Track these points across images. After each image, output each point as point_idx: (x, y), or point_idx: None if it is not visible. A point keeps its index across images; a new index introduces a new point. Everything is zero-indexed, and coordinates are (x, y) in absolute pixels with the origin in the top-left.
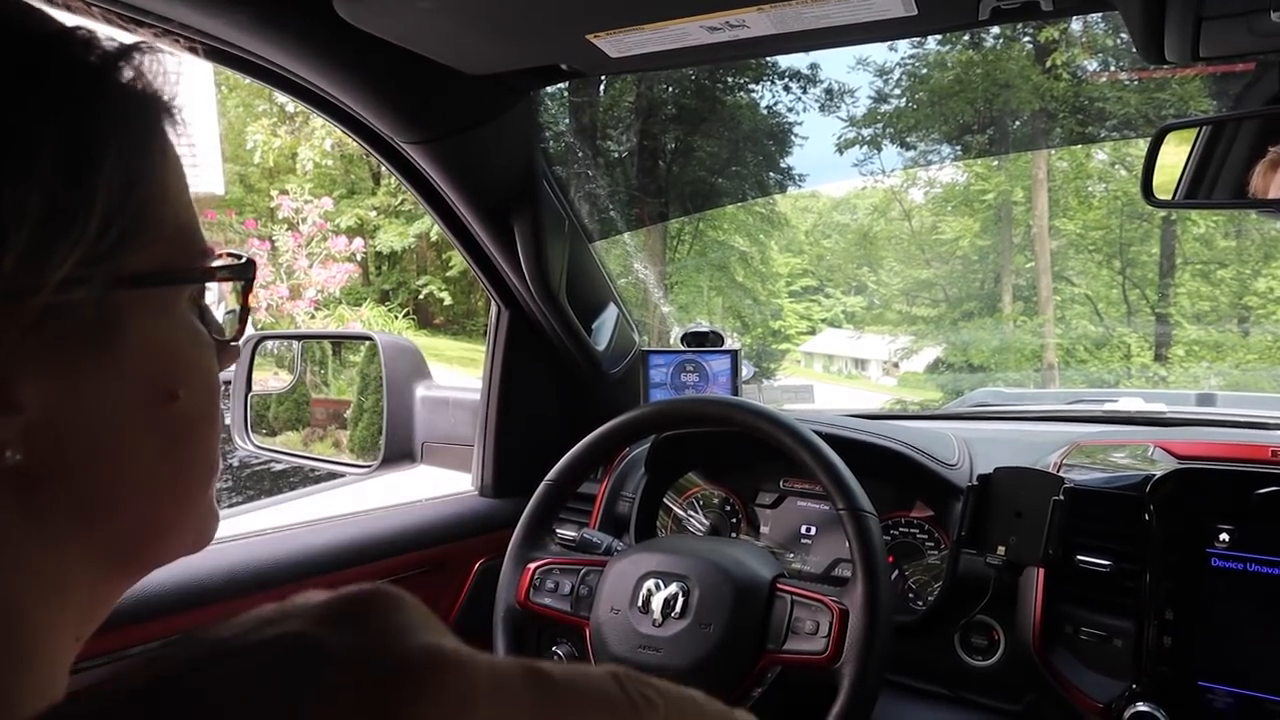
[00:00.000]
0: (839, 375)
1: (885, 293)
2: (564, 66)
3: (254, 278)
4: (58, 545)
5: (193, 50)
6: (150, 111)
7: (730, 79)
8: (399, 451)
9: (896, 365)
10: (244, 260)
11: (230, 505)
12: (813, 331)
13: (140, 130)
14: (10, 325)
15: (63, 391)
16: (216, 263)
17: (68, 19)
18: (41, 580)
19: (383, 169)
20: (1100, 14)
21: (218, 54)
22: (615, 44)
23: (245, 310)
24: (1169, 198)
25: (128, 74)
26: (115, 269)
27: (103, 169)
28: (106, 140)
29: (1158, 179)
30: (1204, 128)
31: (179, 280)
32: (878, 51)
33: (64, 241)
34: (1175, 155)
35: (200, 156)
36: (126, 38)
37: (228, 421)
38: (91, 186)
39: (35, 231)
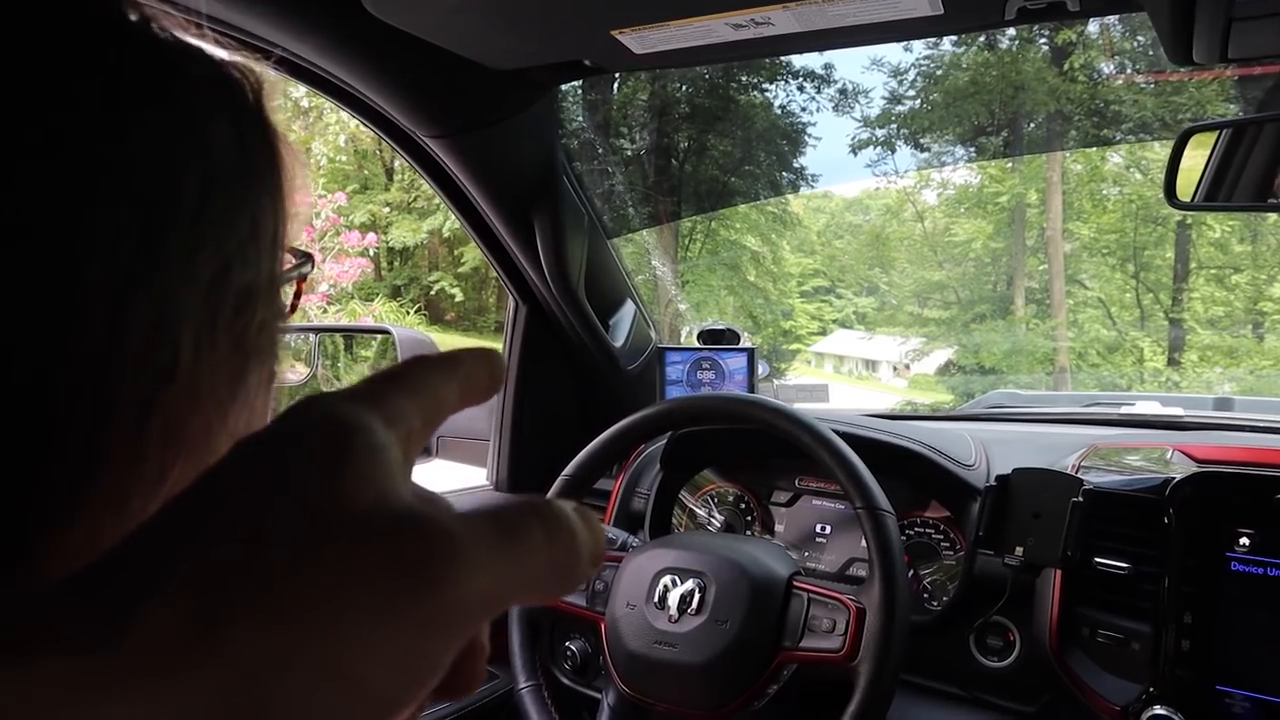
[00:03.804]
0: (850, 376)
1: (897, 294)
2: (587, 62)
3: None
4: None
5: (219, 42)
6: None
7: (744, 78)
8: None
9: (907, 367)
10: None
11: None
12: (824, 332)
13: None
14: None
15: None
16: None
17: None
18: None
19: (396, 164)
20: (1117, 16)
21: (244, 46)
22: (640, 40)
23: None
24: (1190, 200)
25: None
26: None
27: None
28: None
29: (1178, 181)
30: (1224, 131)
31: None
32: (892, 52)
33: None
34: (1192, 159)
35: None
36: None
37: None
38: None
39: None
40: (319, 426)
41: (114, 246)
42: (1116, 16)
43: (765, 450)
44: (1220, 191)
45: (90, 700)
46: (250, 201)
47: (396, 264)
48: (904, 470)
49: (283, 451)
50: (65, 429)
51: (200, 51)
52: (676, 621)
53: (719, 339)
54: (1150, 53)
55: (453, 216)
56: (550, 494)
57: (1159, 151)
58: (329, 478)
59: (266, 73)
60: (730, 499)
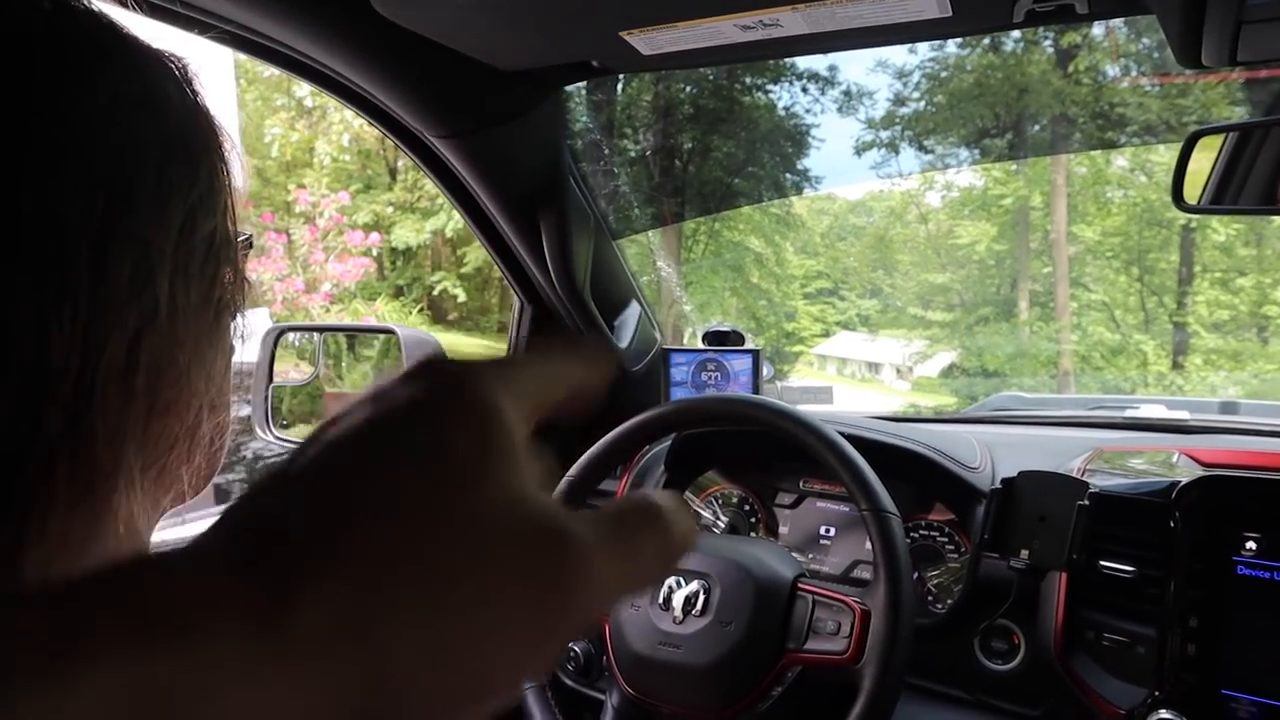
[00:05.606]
0: (852, 378)
1: (900, 296)
2: (596, 63)
3: None
4: None
5: (228, 42)
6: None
7: (748, 79)
8: None
9: (910, 369)
10: None
11: None
12: (827, 334)
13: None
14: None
15: None
16: None
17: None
18: None
19: (400, 164)
20: (1123, 19)
21: (254, 46)
22: (648, 41)
23: None
24: (1196, 203)
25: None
26: None
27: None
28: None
29: (1185, 185)
30: (1230, 134)
31: None
32: (897, 54)
33: None
34: (1199, 161)
35: None
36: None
37: (246, 413)
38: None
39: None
40: (465, 400)
41: (90, 196)
42: (1122, 19)
43: (770, 452)
44: (1226, 195)
45: (256, 677)
46: (204, 157)
47: (399, 264)
48: (909, 473)
49: (436, 422)
50: (61, 376)
51: (133, 30)
52: (681, 623)
53: (724, 340)
54: (1155, 55)
55: (456, 217)
56: (554, 496)
57: (1164, 155)
58: (480, 464)
59: (192, 55)
60: (734, 501)
